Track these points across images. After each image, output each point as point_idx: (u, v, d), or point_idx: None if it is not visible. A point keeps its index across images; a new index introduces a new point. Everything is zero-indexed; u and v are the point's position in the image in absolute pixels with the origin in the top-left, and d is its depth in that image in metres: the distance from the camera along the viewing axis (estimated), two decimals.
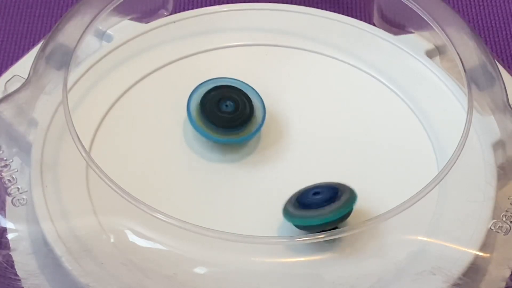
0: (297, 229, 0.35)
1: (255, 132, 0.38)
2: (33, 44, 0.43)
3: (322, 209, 0.34)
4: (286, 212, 0.35)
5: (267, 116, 0.38)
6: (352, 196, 0.34)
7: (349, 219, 0.35)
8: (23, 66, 0.40)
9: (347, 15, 0.44)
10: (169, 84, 0.41)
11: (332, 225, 0.34)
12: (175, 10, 0.45)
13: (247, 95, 0.38)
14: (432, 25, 0.40)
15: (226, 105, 0.37)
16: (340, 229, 0.33)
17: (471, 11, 0.51)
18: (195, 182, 0.37)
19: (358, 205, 0.36)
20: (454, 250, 0.34)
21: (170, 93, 0.40)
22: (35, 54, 0.39)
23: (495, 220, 0.35)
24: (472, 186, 0.36)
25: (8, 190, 0.35)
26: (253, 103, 0.38)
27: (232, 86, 0.38)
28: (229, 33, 0.43)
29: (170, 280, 0.33)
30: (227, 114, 0.37)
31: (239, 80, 0.39)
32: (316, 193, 0.35)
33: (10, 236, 0.35)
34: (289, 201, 0.35)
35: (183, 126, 0.39)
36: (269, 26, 0.43)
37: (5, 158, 0.36)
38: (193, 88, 0.39)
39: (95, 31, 0.42)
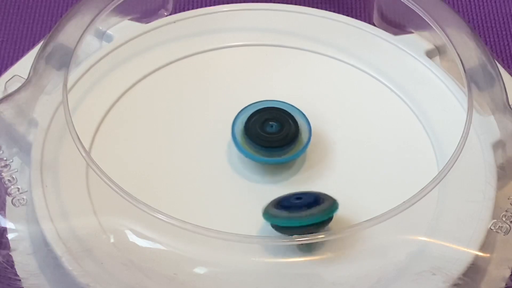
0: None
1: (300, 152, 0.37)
2: (33, 44, 0.43)
3: (300, 212, 0.34)
4: (266, 212, 0.35)
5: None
6: (333, 205, 0.34)
7: (349, 219, 0.35)
8: (23, 66, 0.40)
9: (347, 15, 0.44)
10: (169, 84, 0.41)
11: (309, 229, 0.34)
12: (175, 10, 0.45)
13: (292, 116, 0.38)
14: (432, 25, 0.40)
15: (271, 126, 0.37)
16: (340, 229, 0.33)
17: (471, 11, 0.51)
18: (195, 182, 0.37)
19: (358, 205, 0.36)
20: (454, 250, 0.34)
21: (170, 93, 0.40)
22: (35, 54, 0.39)
23: (495, 220, 0.35)
24: (472, 186, 0.36)
25: (8, 190, 0.35)
26: (299, 124, 0.38)
27: (277, 107, 0.38)
28: (229, 33, 0.43)
29: (170, 280, 0.33)
30: (272, 134, 0.37)
31: (283, 102, 0.38)
32: (298, 198, 0.35)
33: (10, 236, 0.35)
34: (271, 203, 0.35)
35: (183, 126, 0.39)
36: (269, 26, 0.43)
37: (5, 158, 0.36)
38: (193, 88, 0.39)
39: (95, 31, 0.42)
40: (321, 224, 0.34)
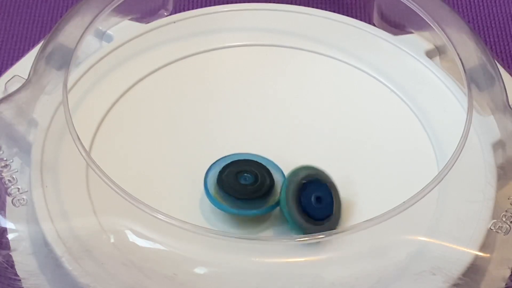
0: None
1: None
2: (33, 45, 0.43)
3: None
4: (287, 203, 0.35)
5: None
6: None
7: (349, 219, 0.35)
8: (23, 66, 0.40)
9: (347, 15, 0.44)
10: (169, 84, 0.41)
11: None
12: (175, 10, 0.45)
13: (266, 168, 0.36)
14: (432, 25, 0.40)
15: (245, 178, 0.36)
16: (340, 229, 0.33)
17: (471, 11, 0.51)
18: (195, 182, 0.37)
19: (358, 205, 0.36)
20: (454, 250, 0.34)
21: (170, 93, 0.40)
22: (35, 55, 0.39)
23: (495, 220, 0.35)
24: (472, 186, 0.36)
25: (8, 190, 0.35)
26: (273, 176, 0.36)
27: (250, 160, 0.36)
28: (229, 33, 0.43)
29: (170, 280, 0.33)
30: (247, 186, 0.36)
31: (256, 155, 0.37)
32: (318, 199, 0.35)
33: (10, 236, 0.35)
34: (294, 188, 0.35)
35: (183, 126, 0.39)
36: (269, 26, 0.43)
37: (5, 158, 0.36)
38: (193, 88, 0.39)
39: (95, 31, 0.42)
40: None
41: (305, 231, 0.35)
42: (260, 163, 0.36)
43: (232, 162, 0.36)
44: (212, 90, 0.41)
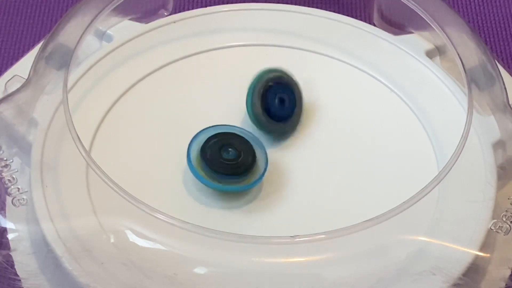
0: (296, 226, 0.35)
1: (257, 181, 0.37)
2: (33, 44, 0.43)
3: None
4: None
5: None
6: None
7: (349, 219, 0.35)
8: (23, 66, 0.40)
9: (347, 15, 0.44)
10: (169, 84, 0.41)
11: None
12: (175, 10, 0.45)
13: (249, 143, 0.37)
14: (432, 25, 0.40)
15: (228, 153, 0.36)
16: (340, 229, 0.33)
17: (471, 11, 0.51)
18: (195, 182, 0.37)
19: (358, 205, 0.36)
20: (454, 250, 0.34)
21: (170, 93, 0.40)
22: (35, 54, 0.39)
23: (495, 220, 0.35)
24: (472, 186, 0.36)
25: (8, 190, 0.35)
26: (256, 151, 0.37)
27: (233, 133, 0.37)
28: (229, 33, 0.43)
29: (170, 280, 0.33)
30: (229, 161, 0.36)
31: (240, 128, 0.38)
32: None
33: (10, 236, 0.35)
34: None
35: (183, 126, 0.39)
36: (269, 26, 0.43)
37: (5, 158, 0.36)
38: (193, 88, 0.39)
39: (95, 31, 0.42)
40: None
41: (267, 130, 0.38)
42: (244, 138, 0.37)
43: (216, 134, 0.37)
44: (212, 90, 0.41)
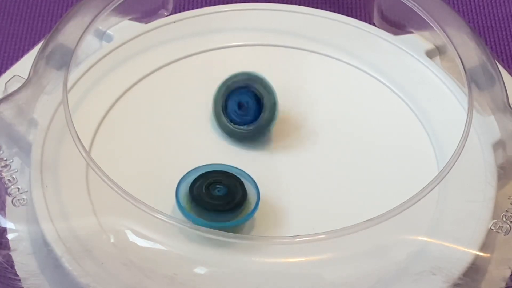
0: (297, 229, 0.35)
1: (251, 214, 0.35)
2: (33, 44, 0.43)
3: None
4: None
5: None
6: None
7: (349, 219, 0.35)
8: (23, 66, 0.40)
9: (347, 15, 0.44)
10: (169, 84, 0.41)
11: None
12: (175, 10, 0.45)
13: (239, 179, 0.35)
14: (432, 25, 0.40)
15: (218, 190, 0.35)
16: (340, 229, 0.33)
17: (471, 11, 0.51)
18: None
19: (358, 205, 0.36)
20: (454, 250, 0.34)
21: (170, 93, 0.40)
22: (35, 54, 0.39)
23: (495, 220, 0.35)
24: (472, 186, 0.36)
25: (8, 190, 0.35)
26: (246, 187, 0.35)
27: (222, 171, 0.36)
28: (229, 33, 0.43)
29: (170, 280, 0.33)
30: (219, 199, 0.35)
31: (229, 165, 0.36)
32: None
33: (10, 236, 0.35)
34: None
35: (183, 125, 0.39)
36: (269, 26, 0.43)
37: (5, 158, 0.36)
38: (193, 88, 0.39)
39: (95, 31, 0.42)
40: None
41: (227, 132, 0.38)
42: (232, 174, 0.35)
43: (204, 174, 0.35)
44: (212, 90, 0.41)
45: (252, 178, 0.36)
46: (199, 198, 0.34)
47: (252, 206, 0.35)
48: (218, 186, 0.35)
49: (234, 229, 0.35)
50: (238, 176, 0.35)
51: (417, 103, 0.40)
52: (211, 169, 0.36)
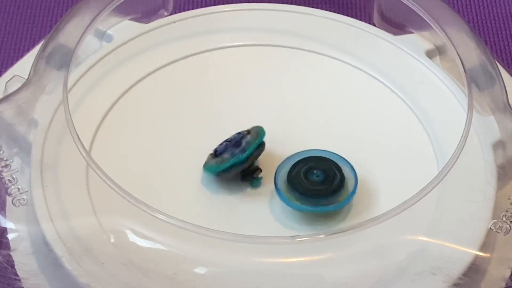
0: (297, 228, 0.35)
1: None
2: (33, 45, 0.43)
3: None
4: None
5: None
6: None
7: (349, 219, 0.35)
8: (23, 66, 0.40)
9: (347, 15, 0.44)
10: (169, 84, 0.41)
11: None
12: (175, 10, 0.45)
13: (336, 163, 0.37)
14: (432, 25, 0.40)
15: (317, 175, 0.36)
16: (340, 229, 0.33)
17: (471, 11, 0.51)
18: (195, 182, 0.37)
19: (358, 205, 0.36)
20: (454, 250, 0.34)
21: (170, 93, 0.40)
22: (35, 54, 0.39)
23: (495, 220, 0.35)
24: (472, 186, 0.36)
25: (9, 190, 0.35)
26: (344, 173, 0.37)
27: (321, 157, 0.37)
28: (229, 33, 0.43)
29: (170, 280, 0.33)
30: (316, 184, 0.36)
31: (328, 151, 0.37)
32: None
33: (10, 236, 0.35)
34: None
35: (183, 126, 0.39)
36: (269, 26, 0.43)
37: (5, 158, 0.36)
38: (193, 88, 0.40)
39: (95, 31, 0.42)
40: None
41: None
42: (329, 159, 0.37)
43: (301, 160, 0.37)
44: (212, 90, 0.41)
45: (349, 162, 0.37)
46: (297, 184, 0.36)
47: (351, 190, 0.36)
48: (315, 171, 0.36)
49: (334, 213, 0.36)
50: (335, 161, 0.37)
51: (417, 103, 0.40)
52: (308, 155, 0.37)
